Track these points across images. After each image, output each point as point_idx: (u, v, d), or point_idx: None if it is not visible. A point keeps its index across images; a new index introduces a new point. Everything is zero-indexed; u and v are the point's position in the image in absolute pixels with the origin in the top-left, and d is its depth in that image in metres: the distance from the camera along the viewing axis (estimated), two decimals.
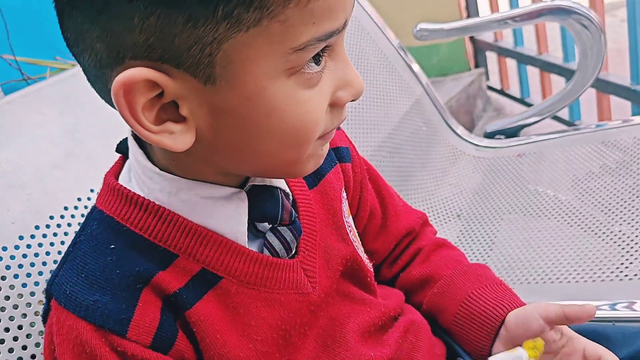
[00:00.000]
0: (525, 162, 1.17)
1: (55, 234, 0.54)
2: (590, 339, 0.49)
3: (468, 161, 1.22)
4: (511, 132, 1.31)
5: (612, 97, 1.60)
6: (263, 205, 0.42)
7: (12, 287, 0.49)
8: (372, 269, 0.54)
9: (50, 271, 0.52)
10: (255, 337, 0.42)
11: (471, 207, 1.08)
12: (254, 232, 0.43)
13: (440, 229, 1.02)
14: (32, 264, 0.51)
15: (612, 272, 0.77)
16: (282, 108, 0.35)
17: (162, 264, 0.39)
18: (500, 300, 0.53)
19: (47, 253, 0.53)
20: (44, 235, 0.53)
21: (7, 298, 0.49)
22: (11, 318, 0.49)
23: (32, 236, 0.52)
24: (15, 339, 0.49)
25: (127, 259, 0.39)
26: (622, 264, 0.77)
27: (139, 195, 0.40)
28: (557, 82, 1.88)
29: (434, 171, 1.14)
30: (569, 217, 0.95)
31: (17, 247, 0.51)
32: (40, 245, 0.52)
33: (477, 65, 2.30)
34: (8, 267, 0.50)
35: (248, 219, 0.42)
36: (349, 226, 0.52)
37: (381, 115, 1.09)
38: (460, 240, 1.00)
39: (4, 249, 0.50)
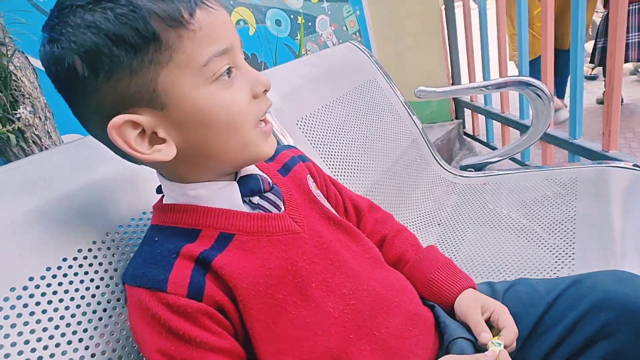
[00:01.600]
0: (489, 189, 1.19)
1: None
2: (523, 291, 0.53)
3: (448, 185, 1.24)
4: (479, 167, 1.34)
5: (554, 147, 1.61)
6: (248, 185, 0.45)
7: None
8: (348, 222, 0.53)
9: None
10: (269, 267, 0.42)
11: (448, 219, 1.10)
12: (250, 205, 0.45)
13: (425, 233, 1.05)
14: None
15: (547, 273, 0.78)
16: (213, 106, 0.38)
17: (191, 238, 0.42)
18: (450, 283, 0.54)
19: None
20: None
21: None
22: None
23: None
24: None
25: (165, 243, 0.42)
26: (555, 267, 0.79)
27: (168, 203, 0.44)
28: (514, 133, 1.90)
29: (423, 191, 1.17)
30: (517, 230, 0.96)
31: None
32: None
33: (457, 117, 2.32)
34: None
35: (241, 195, 0.44)
36: (318, 195, 0.53)
37: (387, 149, 1.13)
38: (439, 241, 1.01)
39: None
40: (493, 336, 0.48)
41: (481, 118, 2.16)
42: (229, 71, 0.39)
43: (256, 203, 0.46)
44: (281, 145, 0.60)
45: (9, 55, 0.87)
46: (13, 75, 0.91)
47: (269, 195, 0.47)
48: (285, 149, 0.57)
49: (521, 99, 1.72)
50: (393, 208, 1.05)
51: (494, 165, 1.35)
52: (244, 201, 0.45)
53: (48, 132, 0.98)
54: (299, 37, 1.80)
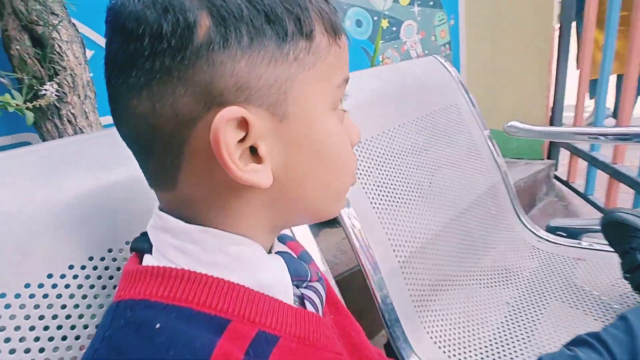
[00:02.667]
0: (582, 266, 0.93)
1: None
2: None
3: (527, 249, 0.99)
4: (573, 233, 1.06)
5: None
6: (294, 266, 0.33)
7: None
8: None
9: None
10: None
11: (522, 289, 0.86)
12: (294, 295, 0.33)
13: (492, 303, 0.82)
14: None
15: None
16: (332, 137, 0.32)
17: (217, 332, 0.26)
18: None
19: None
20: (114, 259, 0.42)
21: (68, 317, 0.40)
22: None
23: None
24: None
25: (179, 336, 0.25)
26: None
27: (173, 268, 0.28)
28: (624, 189, 1.54)
29: (494, 253, 0.94)
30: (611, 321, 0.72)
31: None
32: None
33: (549, 157, 1.98)
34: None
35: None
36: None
37: (457, 194, 0.91)
38: (508, 316, 0.79)
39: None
40: None
41: (582, 163, 1.81)
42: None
43: (299, 295, 0.34)
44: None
45: (55, 25, 0.80)
46: (57, 47, 0.85)
47: (318, 286, 0.35)
48: (289, 239, 0.42)
49: None
50: (452, 270, 0.84)
51: (591, 234, 1.06)
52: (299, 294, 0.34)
53: (85, 111, 0.92)
54: (376, 43, 1.62)
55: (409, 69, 0.97)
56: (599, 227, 1.05)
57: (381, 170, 0.78)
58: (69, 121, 0.90)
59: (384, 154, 0.79)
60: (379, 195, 0.75)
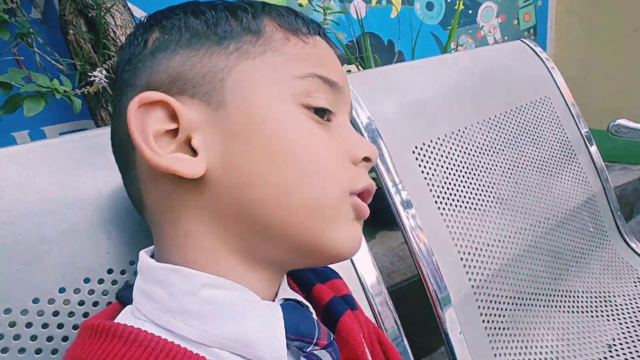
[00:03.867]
0: None
1: None
2: None
3: (632, 276, 0.81)
4: None
5: None
6: (297, 321, 0.27)
7: None
8: None
9: None
10: None
11: (624, 334, 0.70)
12: (293, 352, 0.26)
13: (580, 353, 0.67)
14: None
15: None
16: (292, 130, 0.26)
17: None
18: None
19: None
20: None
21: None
22: None
23: None
24: None
25: None
26: None
27: (110, 323, 0.23)
28: None
29: (591, 281, 0.78)
30: None
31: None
32: None
33: None
34: None
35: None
36: None
37: (546, 207, 0.76)
38: (608, 349, 0.65)
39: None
40: None
41: None
42: (324, 115, 0.28)
43: (305, 352, 0.27)
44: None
45: (108, 8, 0.78)
46: (111, 32, 0.83)
47: (324, 354, 0.27)
48: (328, 278, 0.35)
49: None
50: (536, 299, 0.70)
51: None
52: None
53: None
54: (451, 27, 1.46)
55: (491, 56, 0.83)
56: None
57: (453, 173, 0.66)
58: None
59: (458, 155, 0.67)
60: (449, 199, 0.63)
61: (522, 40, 0.90)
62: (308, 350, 0.26)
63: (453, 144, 0.68)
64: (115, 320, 0.25)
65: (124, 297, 0.28)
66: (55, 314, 0.33)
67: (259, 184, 0.25)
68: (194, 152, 0.26)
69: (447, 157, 0.66)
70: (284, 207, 0.25)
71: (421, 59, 0.75)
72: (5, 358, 0.31)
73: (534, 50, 0.89)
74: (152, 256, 0.28)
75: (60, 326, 0.33)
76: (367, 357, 0.32)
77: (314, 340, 0.27)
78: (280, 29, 0.29)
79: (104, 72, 0.71)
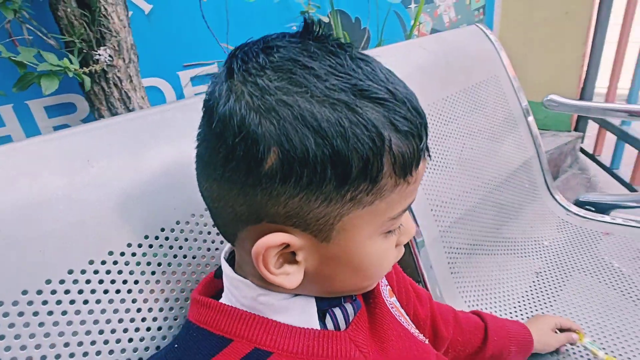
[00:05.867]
0: (610, 240, 0.95)
1: (191, 230, 0.46)
2: None
3: (556, 223, 1.02)
4: (602, 208, 1.07)
5: None
6: (327, 302, 0.37)
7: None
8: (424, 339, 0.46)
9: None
10: None
11: (549, 260, 0.90)
12: (331, 318, 0.37)
13: (520, 273, 0.86)
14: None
15: None
16: (371, 257, 0.33)
17: (216, 350, 0.33)
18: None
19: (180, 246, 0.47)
20: (182, 231, 0.45)
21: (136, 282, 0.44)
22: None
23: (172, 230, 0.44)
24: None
25: (182, 354, 0.34)
26: None
27: (212, 300, 0.36)
28: None
29: (524, 225, 0.96)
30: (635, 297, 0.76)
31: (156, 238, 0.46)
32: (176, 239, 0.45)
33: (577, 129, 1.95)
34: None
35: (320, 308, 0.36)
36: (392, 306, 0.44)
37: (494, 169, 0.92)
38: (534, 285, 0.83)
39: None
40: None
41: (610, 137, 1.78)
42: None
43: (332, 315, 0.37)
44: None
45: None
46: (103, 9, 0.85)
47: (348, 306, 0.38)
48: None
49: None
50: (486, 236, 0.87)
51: (620, 210, 1.08)
52: (324, 315, 0.36)
53: (130, 75, 0.93)
54: (412, 6, 1.56)
55: (453, 40, 0.96)
56: (628, 203, 1.06)
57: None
58: (115, 85, 0.91)
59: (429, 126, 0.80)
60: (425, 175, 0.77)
61: (477, 25, 1.04)
62: (335, 304, 0.37)
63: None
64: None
65: (217, 274, 0.40)
66: (144, 254, 0.42)
67: (336, 280, 0.34)
68: (295, 259, 0.32)
69: None
70: (347, 290, 0.36)
71: (394, 43, 0.86)
72: (85, 297, 0.40)
73: (486, 34, 1.03)
74: (227, 259, 0.37)
75: (137, 264, 0.42)
76: (381, 289, 0.43)
77: (341, 300, 0.37)
78: (394, 176, 0.29)
79: (109, 51, 0.74)
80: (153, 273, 0.43)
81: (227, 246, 0.39)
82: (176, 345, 0.35)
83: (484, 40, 1.02)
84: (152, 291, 0.42)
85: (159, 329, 0.42)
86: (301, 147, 0.26)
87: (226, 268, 0.36)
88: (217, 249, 0.47)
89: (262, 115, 0.27)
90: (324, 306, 0.36)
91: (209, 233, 0.47)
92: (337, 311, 0.37)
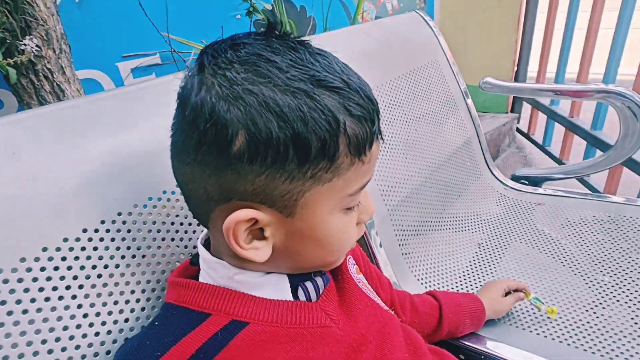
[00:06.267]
0: (542, 210, 1.04)
1: (134, 221, 0.45)
2: None
3: (496, 196, 1.09)
4: (535, 181, 1.17)
5: (625, 169, 1.40)
6: (299, 278, 0.40)
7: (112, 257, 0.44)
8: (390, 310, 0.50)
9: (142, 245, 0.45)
10: None
11: (489, 230, 0.97)
12: (303, 292, 0.40)
13: (463, 244, 0.92)
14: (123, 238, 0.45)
15: (585, 308, 0.69)
16: (333, 231, 0.36)
17: (195, 324, 0.35)
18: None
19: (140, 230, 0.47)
20: (140, 214, 0.45)
21: (106, 267, 0.43)
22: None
23: (129, 213, 0.44)
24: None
25: (160, 333, 0.35)
26: (594, 304, 0.70)
27: (191, 280, 0.38)
28: (577, 141, 1.68)
29: (466, 201, 1.03)
30: (564, 258, 0.84)
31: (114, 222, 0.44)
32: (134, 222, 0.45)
33: (513, 110, 2.09)
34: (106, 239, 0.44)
35: (293, 283, 0.39)
36: (359, 281, 0.47)
37: (437, 148, 0.97)
38: (476, 255, 0.89)
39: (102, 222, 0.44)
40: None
41: (542, 117, 1.93)
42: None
43: (304, 288, 0.40)
44: None
45: None
46: None
47: (318, 279, 0.41)
48: None
49: (599, 106, 1.49)
50: (432, 213, 0.92)
51: (550, 182, 1.18)
52: (296, 289, 0.39)
53: (62, 66, 0.88)
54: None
55: (394, 26, 0.99)
56: (556, 175, 1.16)
57: None
58: (46, 77, 0.85)
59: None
60: None
61: (417, 12, 1.07)
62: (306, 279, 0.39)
63: None
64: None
65: (193, 261, 0.42)
66: (83, 248, 0.40)
67: (304, 256, 0.37)
68: (262, 233, 0.34)
69: None
70: (314, 265, 0.38)
71: (338, 29, 0.87)
72: (50, 284, 0.38)
73: (425, 20, 1.07)
74: (204, 244, 0.39)
75: (88, 258, 0.41)
76: (348, 266, 0.46)
77: (311, 275, 0.40)
78: (350, 155, 0.32)
79: (35, 40, 0.69)
80: (88, 277, 0.41)
81: (203, 232, 0.41)
82: (156, 323, 0.37)
83: (424, 26, 1.06)
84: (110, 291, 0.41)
85: (128, 320, 0.41)
86: (265, 130, 0.29)
87: (202, 251, 0.38)
88: (164, 238, 0.47)
89: (231, 103, 0.30)
90: (296, 281, 0.39)
91: (154, 223, 0.46)
92: (309, 284, 0.39)
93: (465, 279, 0.83)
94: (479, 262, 0.88)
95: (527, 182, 1.16)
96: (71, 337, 0.39)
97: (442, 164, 0.98)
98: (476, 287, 0.80)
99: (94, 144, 0.44)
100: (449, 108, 1.04)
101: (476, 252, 0.92)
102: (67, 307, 0.39)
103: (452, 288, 0.81)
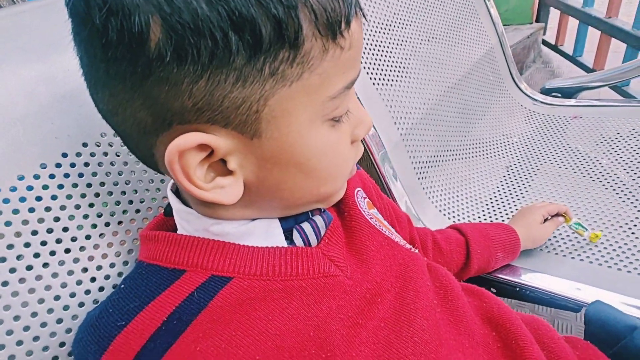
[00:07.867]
0: (578, 124, 0.91)
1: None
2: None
3: (524, 114, 0.97)
4: (568, 93, 1.03)
5: None
6: (293, 221, 0.32)
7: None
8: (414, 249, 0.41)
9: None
10: (277, 332, 0.27)
11: (517, 153, 0.86)
12: (300, 235, 0.33)
13: (489, 167, 0.83)
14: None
15: (632, 232, 0.62)
16: (320, 151, 0.28)
17: (166, 284, 0.28)
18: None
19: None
20: (92, 154, 0.38)
21: (56, 219, 0.36)
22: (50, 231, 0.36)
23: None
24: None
25: (127, 299, 0.29)
26: (631, 220, 0.63)
27: (161, 232, 0.31)
28: (618, 47, 1.48)
29: (491, 120, 0.91)
30: (602, 178, 0.75)
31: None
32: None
33: (538, 20, 1.86)
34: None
35: (285, 226, 0.32)
36: (371, 217, 0.39)
37: (456, 59, 0.84)
38: (503, 179, 0.81)
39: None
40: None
41: (572, 23, 1.71)
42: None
43: (300, 231, 0.33)
44: None
45: None
46: None
47: (318, 219, 0.33)
48: None
49: None
50: (452, 136, 0.82)
51: (585, 93, 1.03)
52: (290, 233, 0.32)
53: None
54: None
55: None
56: (593, 83, 1.02)
57: (379, 34, 0.69)
58: None
59: (380, 16, 0.70)
60: (376, 68, 0.68)
61: None
62: (303, 219, 0.32)
63: (375, 6, 0.70)
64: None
65: (166, 212, 0.35)
66: (22, 199, 0.33)
67: (288, 189, 0.29)
68: (227, 168, 0.27)
69: (370, 20, 0.68)
70: (305, 201, 0.30)
71: None
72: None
73: None
74: (175, 191, 0.33)
75: (31, 210, 0.33)
76: (357, 201, 0.38)
77: (309, 215, 0.32)
78: (320, 37, 0.24)
79: None
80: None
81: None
82: (122, 286, 0.30)
83: None
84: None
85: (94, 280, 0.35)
86: (188, 9, 0.21)
87: (173, 200, 0.32)
88: (128, 181, 0.38)
89: None
90: (290, 223, 0.32)
91: (113, 164, 0.38)
92: (306, 226, 0.32)
93: (493, 207, 0.75)
94: (507, 188, 0.79)
95: (559, 95, 1.02)
96: (24, 304, 0.32)
97: (461, 80, 0.85)
98: (506, 215, 0.72)
99: (16, 71, 0.34)
100: (467, 14, 0.89)
101: (504, 177, 0.82)
102: (13, 270, 0.32)
103: (479, 218, 0.73)
